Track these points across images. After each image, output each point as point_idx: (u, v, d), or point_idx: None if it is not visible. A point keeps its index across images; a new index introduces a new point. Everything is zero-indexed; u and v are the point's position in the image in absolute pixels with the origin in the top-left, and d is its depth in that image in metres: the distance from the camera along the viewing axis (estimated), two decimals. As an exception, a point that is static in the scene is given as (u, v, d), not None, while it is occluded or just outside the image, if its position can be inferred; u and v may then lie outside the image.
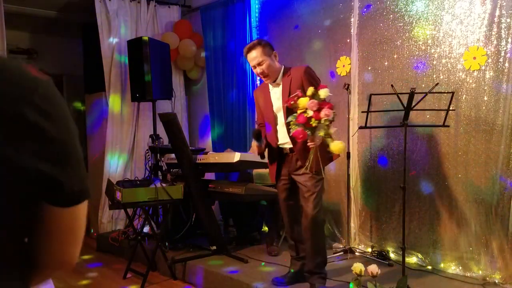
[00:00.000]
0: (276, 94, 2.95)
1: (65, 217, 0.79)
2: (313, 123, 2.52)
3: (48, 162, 0.71)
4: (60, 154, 0.74)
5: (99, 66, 4.98)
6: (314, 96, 2.56)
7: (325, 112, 2.50)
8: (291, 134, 2.64)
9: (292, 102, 2.60)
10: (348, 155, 3.75)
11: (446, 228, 3.32)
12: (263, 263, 3.59)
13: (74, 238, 0.82)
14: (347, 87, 3.67)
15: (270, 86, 3.00)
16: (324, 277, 2.95)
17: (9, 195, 0.70)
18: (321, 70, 4.08)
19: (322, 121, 2.51)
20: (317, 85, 2.75)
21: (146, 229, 4.37)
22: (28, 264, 0.77)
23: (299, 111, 2.56)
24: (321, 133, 2.55)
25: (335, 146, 2.53)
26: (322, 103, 2.54)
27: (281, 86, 2.91)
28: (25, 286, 0.77)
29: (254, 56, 2.87)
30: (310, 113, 2.52)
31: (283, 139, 2.95)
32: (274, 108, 2.96)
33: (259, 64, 2.86)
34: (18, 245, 0.75)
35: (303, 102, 2.54)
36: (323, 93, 2.56)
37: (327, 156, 2.93)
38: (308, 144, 2.64)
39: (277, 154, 2.99)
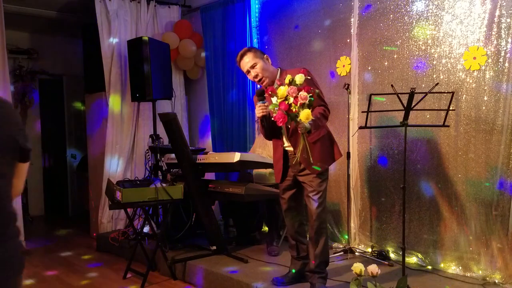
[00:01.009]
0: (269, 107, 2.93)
1: (24, 168, 1.57)
2: (294, 108, 2.52)
3: (25, 140, 1.53)
4: (26, 136, 1.54)
5: (99, 66, 4.98)
6: (291, 83, 2.56)
7: (301, 96, 2.50)
8: (272, 118, 2.63)
9: (270, 92, 2.60)
10: (348, 155, 3.75)
11: (446, 228, 3.32)
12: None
13: (24, 179, 1.59)
14: (347, 87, 3.67)
15: None
16: (324, 277, 2.95)
17: (11, 159, 1.50)
18: (321, 70, 4.08)
19: (304, 104, 2.51)
20: (315, 88, 2.75)
21: (146, 229, 4.37)
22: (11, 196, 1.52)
23: (279, 100, 2.56)
24: (300, 118, 2.53)
25: (303, 115, 2.51)
26: (300, 88, 2.54)
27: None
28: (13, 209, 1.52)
29: (246, 61, 2.89)
30: (291, 99, 2.52)
31: (286, 142, 2.96)
32: None
33: (253, 67, 2.88)
34: (9, 186, 1.50)
35: (283, 90, 2.54)
36: (298, 79, 2.56)
37: (330, 156, 2.93)
38: (299, 131, 2.64)
39: (283, 154, 2.99)
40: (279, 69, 2.97)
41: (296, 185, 3.00)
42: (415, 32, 3.45)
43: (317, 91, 2.63)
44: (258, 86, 4.32)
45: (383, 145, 3.69)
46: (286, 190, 3.05)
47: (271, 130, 2.95)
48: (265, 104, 2.76)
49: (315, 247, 2.92)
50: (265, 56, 2.95)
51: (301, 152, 2.69)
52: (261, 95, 2.83)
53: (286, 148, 2.98)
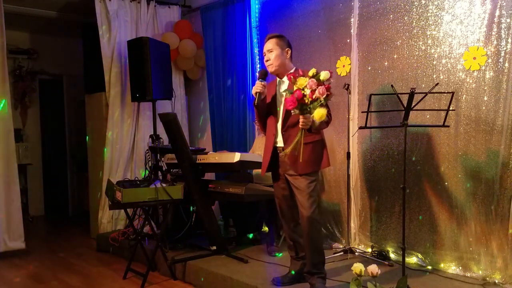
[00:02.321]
0: (282, 90, 2.97)
1: None
2: (307, 100, 2.59)
3: None
4: None
5: (99, 66, 4.98)
6: (314, 77, 2.63)
7: (319, 91, 2.57)
8: (283, 99, 2.73)
9: (292, 77, 2.70)
10: (348, 155, 3.75)
11: (446, 228, 3.32)
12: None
13: None
14: (347, 87, 3.67)
15: (278, 81, 3.05)
16: (323, 276, 2.95)
17: None
18: (321, 70, 4.06)
19: (318, 100, 2.58)
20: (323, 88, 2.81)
21: (146, 229, 4.37)
22: None
23: (295, 87, 2.64)
24: (314, 116, 2.59)
25: (317, 113, 2.59)
26: (321, 84, 2.61)
27: (287, 83, 2.95)
28: None
29: (267, 45, 3.01)
30: (308, 91, 2.59)
31: (280, 134, 2.96)
32: (277, 103, 3.01)
33: (269, 51, 2.99)
34: None
35: (302, 80, 2.63)
36: (323, 75, 2.63)
37: (317, 162, 2.92)
38: (300, 124, 2.69)
39: (271, 151, 2.99)
40: (294, 67, 3.04)
41: (289, 185, 2.99)
42: (415, 32, 3.45)
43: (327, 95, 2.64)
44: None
45: (383, 145, 3.69)
46: (279, 190, 3.06)
47: (264, 116, 3.03)
48: (263, 84, 2.90)
49: (310, 248, 2.91)
50: (286, 49, 3.01)
51: (292, 149, 2.71)
52: (263, 75, 2.95)
53: (277, 145, 2.97)
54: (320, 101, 2.57)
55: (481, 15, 3.09)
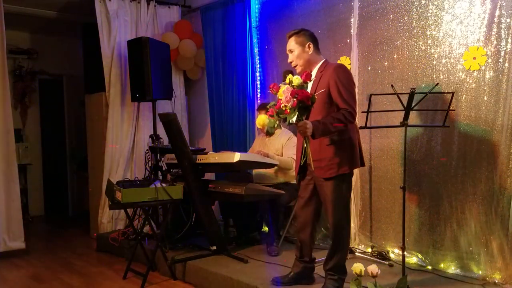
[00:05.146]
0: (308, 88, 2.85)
1: None
2: (284, 108, 2.51)
3: None
4: None
5: (99, 66, 4.98)
6: (290, 84, 2.56)
7: (286, 99, 2.50)
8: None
9: (272, 88, 2.65)
10: (348, 155, 3.75)
11: (446, 228, 3.32)
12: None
13: None
14: (347, 87, 3.66)
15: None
16: (337, 279, 2.86)
17: None
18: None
19: (293, 108, 2.51)
20: (341, 84, 2.71)
21: (146, 229, 4.37)
22: None
23: (278, 98, 2.59)
24: (292, 119, 2.54)
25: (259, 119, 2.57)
26: (294, 91, 2.50)
27: (313, 80, 2.85)
28: None
29: (289, 44, 2.93)
30: (285, 102, 2.53)
31: None
32: None
33: (290, 52, 2.92)
34: None
35: (280, 90, 2.57)
36: (295, 80, 2.55)
37: (345, 162, 2.77)
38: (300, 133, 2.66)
39: (301, 150, 2.89)
40: (322, 60, 2.92)
41: (315, 188, 2.91)
42: (415, 32, 3.45)
43: (315, 96, 2.55)
44: (258, 83, 4.43)
45: (383, 145, 3.69)
46: (304, 189, 2.98)
47: None
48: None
49: (330, 249, 2.88)
50: (308, 43, 2.88)
51: (308, 155, 2.68)
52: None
53: (305, 144, 2.81)
54: (289, 107, 2.49)
55: (481, 15, 3.09)
